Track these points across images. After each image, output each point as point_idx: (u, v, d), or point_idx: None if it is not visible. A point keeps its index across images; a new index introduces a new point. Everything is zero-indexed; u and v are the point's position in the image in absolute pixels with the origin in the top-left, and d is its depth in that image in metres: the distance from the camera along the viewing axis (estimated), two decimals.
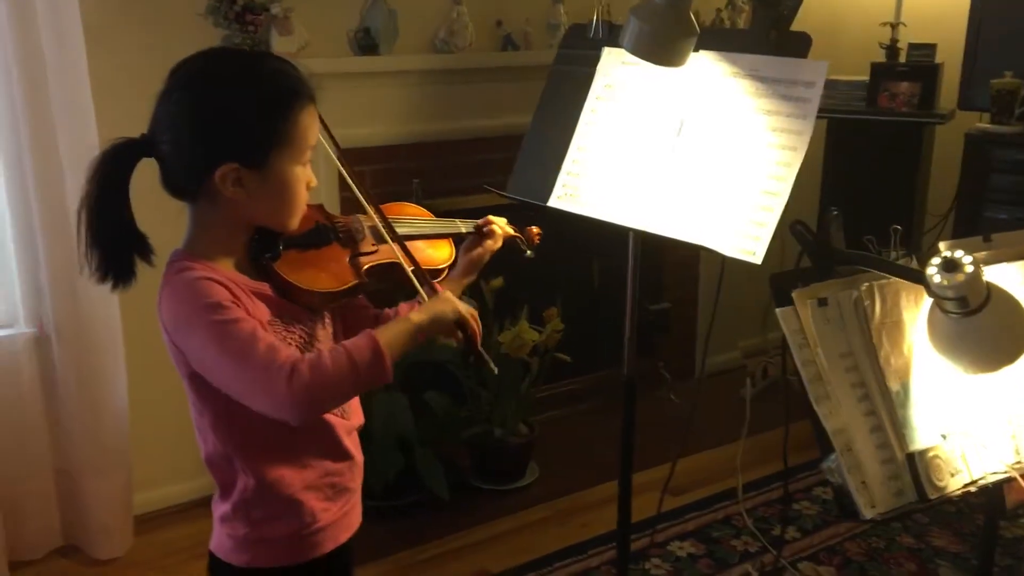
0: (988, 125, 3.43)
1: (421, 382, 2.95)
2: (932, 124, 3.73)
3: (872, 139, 3.76)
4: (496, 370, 1.45)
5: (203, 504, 3.03)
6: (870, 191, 3.73)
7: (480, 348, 1.43)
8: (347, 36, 3.03)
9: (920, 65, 3.68)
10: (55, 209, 2.56)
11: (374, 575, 2.65)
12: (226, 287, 1.29)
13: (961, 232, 3.52)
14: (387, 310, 1.64)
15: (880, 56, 3.77)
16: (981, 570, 1.78)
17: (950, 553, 2.75)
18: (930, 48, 3.70)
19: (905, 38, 3.77)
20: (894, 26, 3.78)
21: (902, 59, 3.75)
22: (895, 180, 3.76)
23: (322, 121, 1.39)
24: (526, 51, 3.34)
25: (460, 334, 1.42)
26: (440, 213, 1.70)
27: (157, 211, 1.36)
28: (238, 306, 1.28)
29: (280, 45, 2.82)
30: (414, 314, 1.37)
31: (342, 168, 1.50)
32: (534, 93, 3.32)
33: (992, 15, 3.50)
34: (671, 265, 3.89)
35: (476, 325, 1.42)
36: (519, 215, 1.76)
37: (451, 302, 1.40)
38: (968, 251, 1.35)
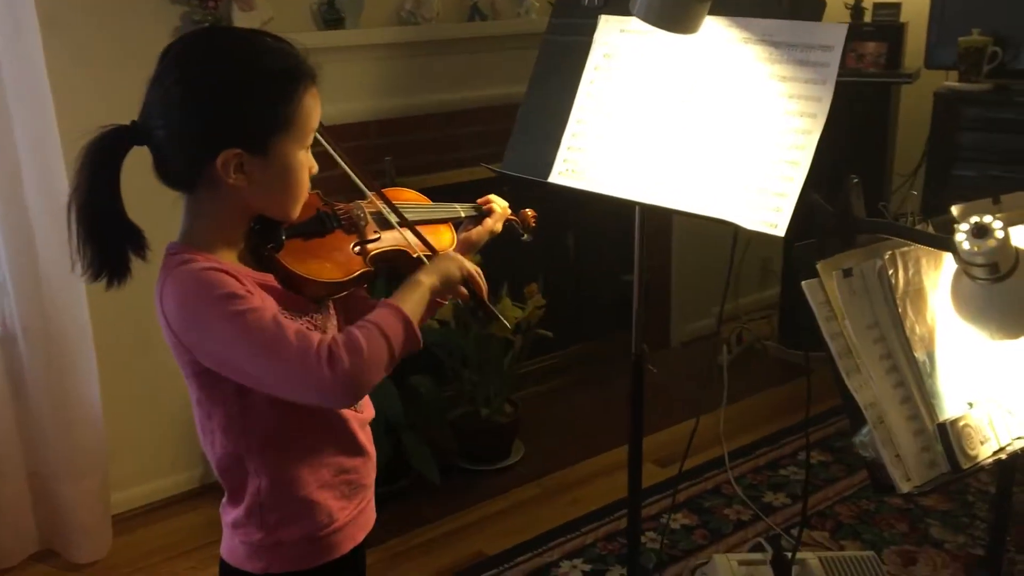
0: (956, 83, 3.43)
1: (404, 366, 2.89)
2: (899, 83, 3.73)
3: (840, 99, 3.72)
4: (508, 325, 1.49)
5: (182, 500, 2.97)
6: (838, 151, 3.71)
7: (488, 303, 1.45)
8: (311, 10, 2.92)
9: (886, 24, 3.68)
10: (13, 202, 2.43)
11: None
12: (235, 277, 1.22)
13: (931, 190, 3.53)
14: (384, 300, 1.58)
15: (846, 17, 3.75)
16: (995, 532, 1.78)
17: (939, 512, 2.77)
18: (895, 7, 3.70)
19: None
20: None
21: (867, 19, 3.74)
22: (863, 139, 3.76)
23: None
24: (494, 21, 3.26)
25: (466, 291, 1.43)
26: (433, 195, 1.64)
27: (147, 202, 1.28)
28: (252, 295, 1.21)
29: (241, 21, 2.70)
30: (423, 276, 1.35)
31: (337, 156, 1.43)
32: (504, 64, 3.29)
33: None
34: (644, 233, 3.85)
35: (482, 281, 1.44)
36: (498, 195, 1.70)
37: (456, 259, 1.41)
38: (982, 214, 1.32)
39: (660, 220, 3.74)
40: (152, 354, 2.74)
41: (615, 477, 3.01)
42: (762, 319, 4.26)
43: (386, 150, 3.05)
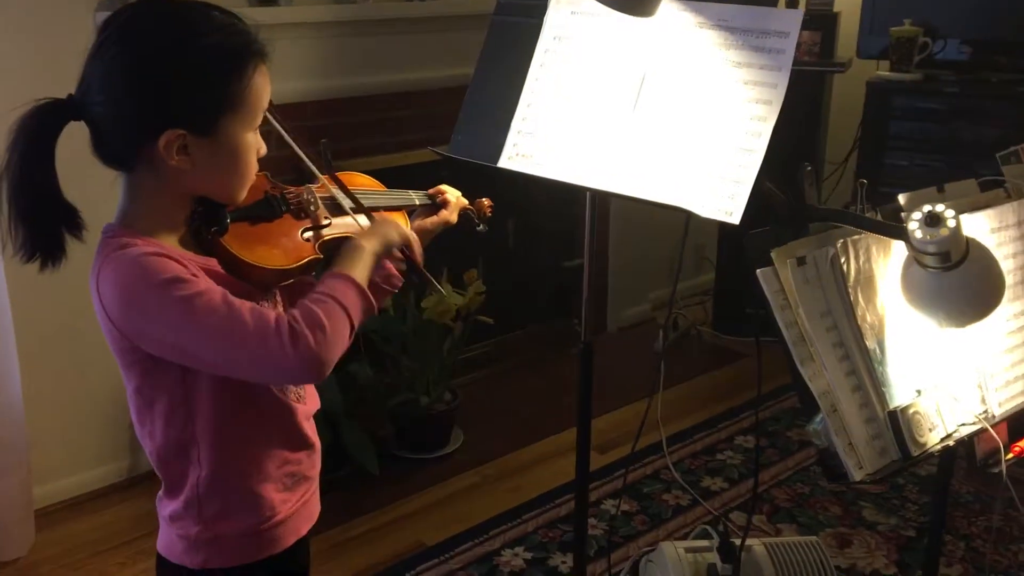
0: (887, 73, 3.49)
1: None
2: (832, 72, 3.79)
3: None
4: (443, 290, 1.46)
5: (109, 493, 2.87)
6: (772, 139, 3.76)
7: (424, 269, 1.44)
8: None
9: (820, 14, 3.73)
10: None
11: None
12: (178, 261, 1.16)
13: (864, 178, 3.59)
14: (332, 271, 1.54)
15: (782, 5, 3.78)
16: (934, 515, 1.81)
17: (872, 494, 2.82)
18: None
19: None
20: None
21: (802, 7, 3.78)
22: (796, 128, 3.80)
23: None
24: (434, 1, 3.19)
25: (401, 256, 1.41)
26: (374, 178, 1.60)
27: (82, 180, 1.21)
28: (197, 278, 1.15)
29: None
30: (364, 241, 1.31)
31: (287, 136, 1.37)
32: (445, 45, 3.24)
33: None
34: (582, 220, 3.85)
35: (418, 247, 1.43)
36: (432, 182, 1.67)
37: (395, 224, 1.39)
38: (928, 203, 1.33)
39: (598, 206, 3.74)
40: (77, 339, 2.64)
41: (556, 464, 3.01)
42: (697, 305, 4.29)
43: (325, 132, 2.96)
